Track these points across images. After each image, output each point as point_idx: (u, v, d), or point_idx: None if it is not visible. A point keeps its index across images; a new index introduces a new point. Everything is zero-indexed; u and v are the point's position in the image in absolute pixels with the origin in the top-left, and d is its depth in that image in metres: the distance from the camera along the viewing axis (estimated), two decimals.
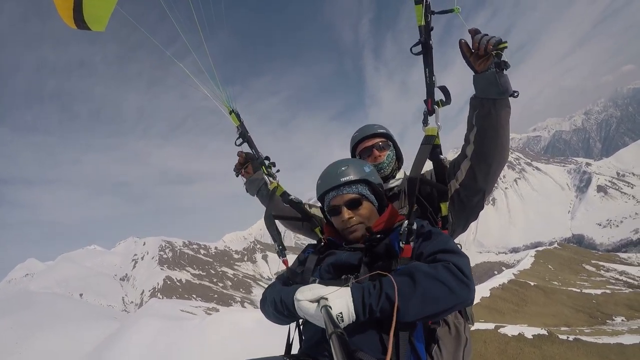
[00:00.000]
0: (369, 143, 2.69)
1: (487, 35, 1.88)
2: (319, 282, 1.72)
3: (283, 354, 1.91)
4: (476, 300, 17.74)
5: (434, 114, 2.14)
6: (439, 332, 1.92)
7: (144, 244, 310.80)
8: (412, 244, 1.77)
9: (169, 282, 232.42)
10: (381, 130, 2.71)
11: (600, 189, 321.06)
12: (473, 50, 1.94)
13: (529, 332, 14.63)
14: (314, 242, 2.54)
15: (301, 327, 2.01)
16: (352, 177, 2.09)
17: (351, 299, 1.50)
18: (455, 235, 2.42)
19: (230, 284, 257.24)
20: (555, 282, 37.57)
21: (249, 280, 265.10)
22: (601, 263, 62.95)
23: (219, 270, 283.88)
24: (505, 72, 1.93)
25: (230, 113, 2.97)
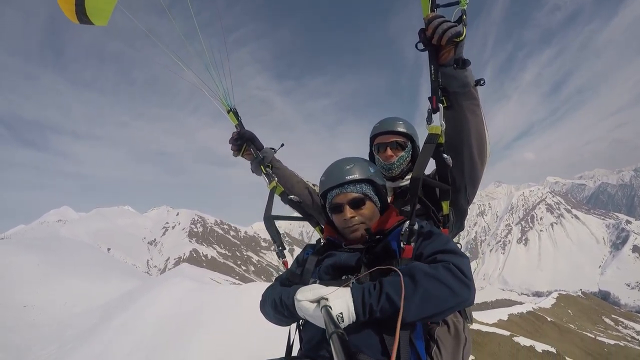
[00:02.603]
0: (386, 139, 2.64)
1: (446, 22, 1.82)
2: (319, 283, 1.72)
3: (284, 355, 1.94)
4: (493, 320, 19.25)
5: (438, 112, 2.06)
6: (439, 331, 1.94)
7: (177, 215, 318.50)
8: (413, 244, 1.78)
9: (194, 255, 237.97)
10: (401, 129, 2.63)
11: (636, 249, 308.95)
12: (430, 40, 1.88)
13: (540, 347, 16.37)
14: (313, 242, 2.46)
15: (301, 328, 2.00)
16: (357, 176, 2.09)
17: (351, 299, 1.51)
18: (453, 234, 2.46)
19: (253, 269, 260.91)
20: (572, 325, 37.95)
21: (272, 270, 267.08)
22: (621, 319, 62.34)
23: (245, 254, 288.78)
24: (465, 69, 1.91)
25: (229, 112, 2.93)
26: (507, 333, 16.64)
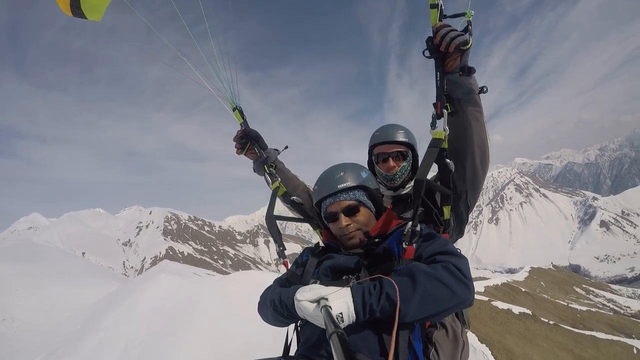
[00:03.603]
0: (387, 150, 2.64)
1: (453, 31, 1.89)
2: (320, 284, 1.71)
3: (281, 355, 1.93)
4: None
5: (442, 118, 2.12)
6: (437, 335, 1.95)
7: (150, 213, 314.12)
8: (414, 245, 1.79)
9: (171, 253, 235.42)
10: (403, 139, 2.64)
11: (603, 224, 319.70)
12: (438, 47, 1.95)
13: (516, 309, 17.31)
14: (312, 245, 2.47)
15: (299, 329, 2.02)
16: (349, 184, 2.10)
17: (351, 299, 1.51)
18: (453, 240, 2.45)
19: (230, 262, 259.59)
20: (545, 295, 39.37)
21: (248, 262, 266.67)
22: (592, 289, 65.05)
23: (221, 248, 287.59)
24: (470, 76, 1.97)
25: (234, 110, 2.96)
26: (485, 298, 17.56)
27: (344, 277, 1.84)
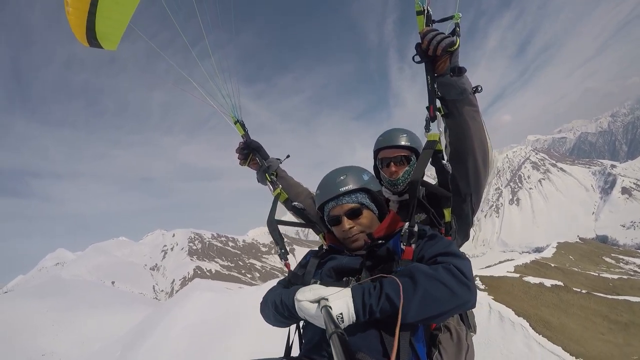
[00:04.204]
0: (390, 154, 2.65)
1: (440, 34, 1.95)
2: (320, 284, 1.73)
3: (283, 355, 1.95)
4: (501, 273, 20.50)
5: (435, 120, 2.16)
6: (441, 337, 1.93)
7: (173, 236, 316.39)
8: (413, 246, 1.80)
9: (199, 272, 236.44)
10: (405, 143, 2.63)
11: (624, 190, 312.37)
12: (426, 52, 2.01)
13: (548, 282, 17.74)
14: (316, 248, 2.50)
15: (301, 330, 2.04)
16: (351, 187, 2.11)
17: (351, 299, 1.52)
18: (457, 243, 2.45)
19: (258, 275, 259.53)
20: (575, 269, 38.96)
21: (276, 272, 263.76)
22: (621, 256, 64.14)
23: (247, 262, 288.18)
24: (462, 76, 2.02)
25: (235, 123, 3.02)
26: (516, 275, 18.06)
27: (344, 279, 1.89)
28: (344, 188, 2.11)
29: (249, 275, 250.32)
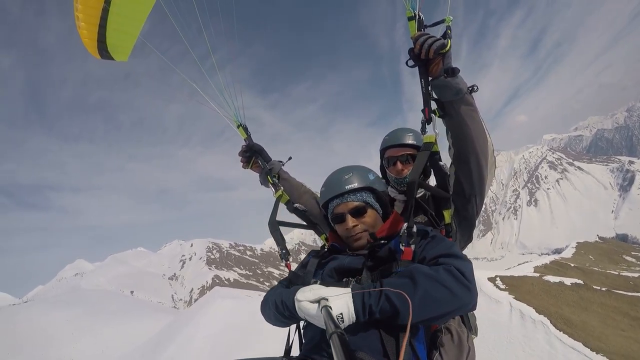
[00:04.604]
0: (395, 153, 2.68)
1: (431, 37, 1.96)
2: (320, 284, 1.72)
3: (282, 355, 1.94)
4: (522, 273, 20.70)
5: (431, 122, 2.17)
6: (442, 339, 1.92)
7: (191, 246, 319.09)
8: (412, 246, 1.80)
9: (217, 281, 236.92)
10: (411, 142, 2.65)
11: None
12: (419, 56, 2.01)
13: (568, 281, 17.96)
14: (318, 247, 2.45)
15: (302, 330, 2.02)
16: (356, 185, 2.11)
17: (351, 299, 1.52)
18: (460, 245, 2.45)
19: (276, 283, 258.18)
20: (595, 268, 38.68)
21: None
22: None
23: (265, 270, 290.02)
24: (456, 76, 1.97)
25: (238, 127, 3.05)
26: (537, 274, 18.32)
27: (344, 279, 1.89)
28: (349, 186, 2.12)
29: (267, 284, 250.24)
